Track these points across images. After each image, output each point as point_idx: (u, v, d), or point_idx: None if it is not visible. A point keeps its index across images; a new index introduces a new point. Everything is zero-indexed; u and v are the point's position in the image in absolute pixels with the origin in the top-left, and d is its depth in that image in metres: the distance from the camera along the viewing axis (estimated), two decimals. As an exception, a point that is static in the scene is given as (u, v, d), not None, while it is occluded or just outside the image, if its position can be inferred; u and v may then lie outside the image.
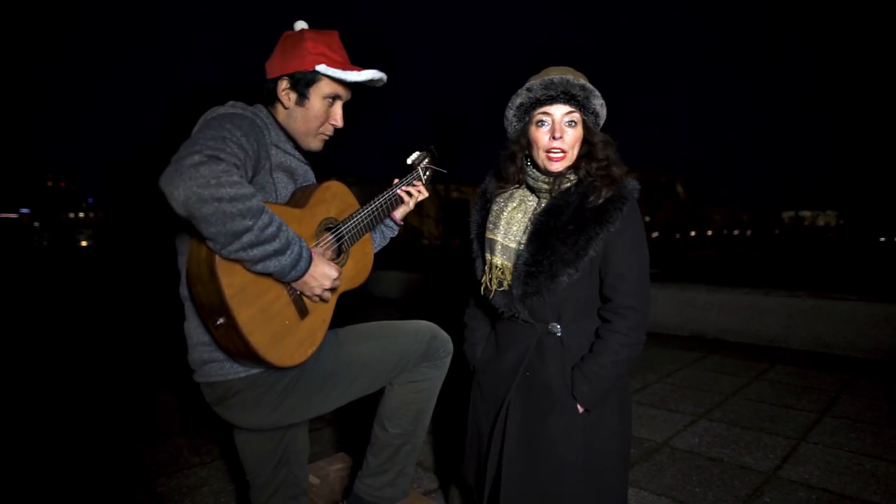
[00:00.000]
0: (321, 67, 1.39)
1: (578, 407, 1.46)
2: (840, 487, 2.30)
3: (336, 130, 1.54)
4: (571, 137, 1.42)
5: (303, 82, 1.41)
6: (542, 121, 1.43)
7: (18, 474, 2.54)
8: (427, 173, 1.78)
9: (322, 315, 1.40)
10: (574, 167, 1.47)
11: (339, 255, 1.49)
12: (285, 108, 1.45)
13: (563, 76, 1.40)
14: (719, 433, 2.93)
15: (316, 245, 1.41)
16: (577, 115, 1.42)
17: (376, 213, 1.61)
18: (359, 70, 1.44)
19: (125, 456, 2.73)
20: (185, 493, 2.34)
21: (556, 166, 1.43)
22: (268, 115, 1.44)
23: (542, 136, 1.43)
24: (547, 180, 1.49)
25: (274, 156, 1.38)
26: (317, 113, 1.44)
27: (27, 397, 3.75)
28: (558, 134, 1.41)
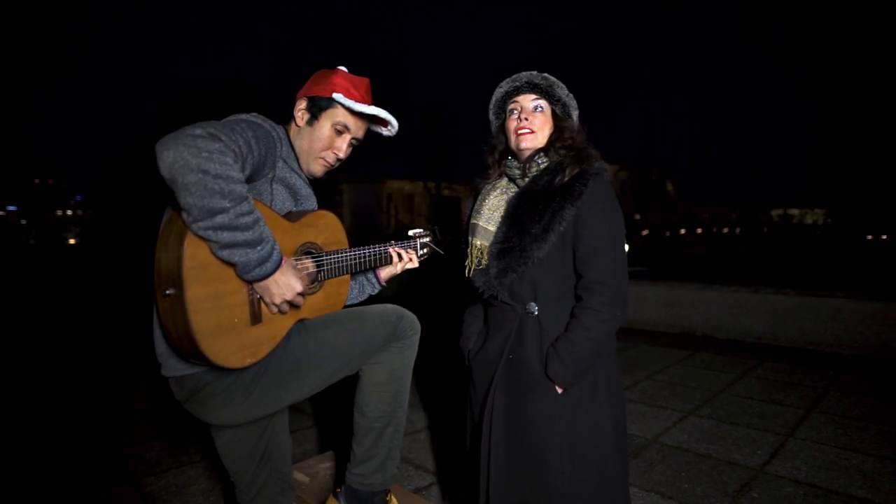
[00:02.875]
0: (337, 96, 1.50)
1: (557, 388, 1.46)
2: (827, 483, 2.33)
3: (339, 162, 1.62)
4: (539, 120, 1.55)
5: (318, 106, 1.52)
6: (512, 110, 1.58)
7: (5, 474, 2.50)
8: (424, 249, 1.83)
9: (274, 331, 1.35)
10: (544, 150, 1.56)
11: (312, 283, 1.47)
12: (297, 125, 1.55)
13: (528, 72, 1.57)
14: (708, 429, 2.95)
15: (293, 261, 1.40)
16: (542, 102, 1.56)
17: (362, 259, 1.62)
18: (370, 104, 1.54)
19: (113, 455, 2.71)
20: (174, 493, 2.32)
21: (524, 143, 1.55)
22: (284, 134, 1.52)
23: (513, 122, 1.58)
24: (519, 166, 1.58)
25: (279, 169, 1.43)
26: (322, 136, 1.53)
27: (15, 396, 3.70)
28: (524, 116, 1.55)
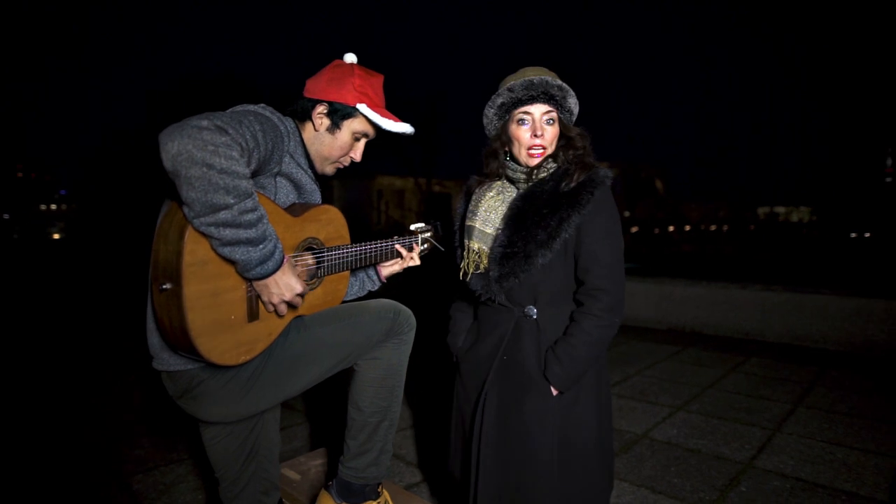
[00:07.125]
0: (362, 107, 1.47)
1: (552, 389, 1.47)
2: (813, 476, 2.36)
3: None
4: (550, 134, 1.52)
5: (340, 114, 1.48)
6: (522, 119, 1.51)
7: (-12, 473, 2.47)
8: (425, 245, 1.80)
9: (270, 328, 1.34)
10: (552, 156, 1.54)
11: (311, 279, 1.45)
12: (315, 129, 1.50)
13: (543, 77, 1.48)
14: (697, 424, 2.98)
15: (294, 258, 1.37)
16: (555, 114, 1.53)
17: (363, 255, 1.60)
18: (395, 120, 1.51)
19: (100, 453, 2.68)
20: (163, 491, 2.30)
21: (535, 162, 1.53)
22: (294, 128, 1.47)
23: (523, 133, 1.51)
24: (525, 171, 1.56)
25: (286, 164, 1.39)
26: (343, 144, 1.51)
27: (0, 392, 3.65)
28: (539, 132, 1.50)
